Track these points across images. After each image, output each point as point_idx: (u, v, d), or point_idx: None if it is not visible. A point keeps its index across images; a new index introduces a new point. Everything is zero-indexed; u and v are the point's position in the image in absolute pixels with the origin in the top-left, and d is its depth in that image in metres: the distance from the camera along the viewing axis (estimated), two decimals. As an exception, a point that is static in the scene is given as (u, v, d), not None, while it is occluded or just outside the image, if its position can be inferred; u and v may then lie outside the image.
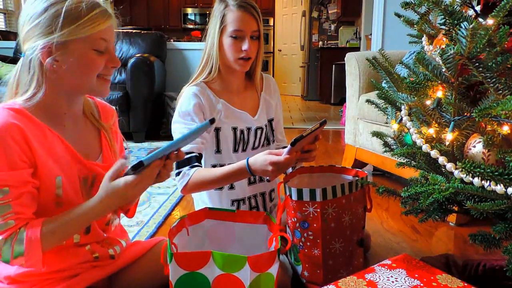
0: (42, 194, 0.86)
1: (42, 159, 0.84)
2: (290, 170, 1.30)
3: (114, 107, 1.08)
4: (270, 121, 1.43)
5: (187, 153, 1.21)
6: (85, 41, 0.84)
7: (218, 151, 1.32)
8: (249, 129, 1.35)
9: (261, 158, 1.12)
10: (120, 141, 1.08)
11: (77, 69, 0.86)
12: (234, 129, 1.32)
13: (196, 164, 1.22)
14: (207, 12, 7.76)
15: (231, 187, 1.34)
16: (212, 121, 0.87)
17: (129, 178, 0.82)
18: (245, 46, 1.24)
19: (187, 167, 1.20)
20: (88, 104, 1.00)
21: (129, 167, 0.82)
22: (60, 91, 0.88)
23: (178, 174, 1.22)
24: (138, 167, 0.80)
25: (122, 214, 1.09)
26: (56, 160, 0.87)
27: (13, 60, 3.55)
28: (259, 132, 1.37)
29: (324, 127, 1.19)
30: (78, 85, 0.89)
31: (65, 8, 0.81)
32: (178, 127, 1.26)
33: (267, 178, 1.33)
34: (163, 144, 0.88)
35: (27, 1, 0.86)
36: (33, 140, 0.82)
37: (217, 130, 1.30)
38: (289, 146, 1.06)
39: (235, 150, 1.33)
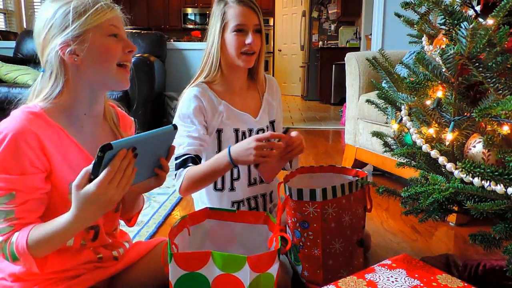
0: (55, 198, 0.87)
1: (57, 164, 0.84)
2: (289, 166, 1.30)
3: (133, 119, 1.09)
4: (272, 122, 1.43)
5: (184, 155, 1.21)
6: (98, 29, 0.87)
7: (219, 152, 1.32)
8: (250, 130, 1.35)
9: (244, 141, 1.11)
10: None
11: (97, 57, 0.88)
12: (236, 130, 1.32)
13: (191, 165, 1.21)
14: (207, 12, 7.75)
15: (232, 189, 1.34)
16: (175, 126, 0.87)
17: (99, 177, 0.75)
18: (249, 40, 1.24)
19: (182, 169, 1.21)
20: (109, 109, 1.01)
21: (95, 159, 0.74)
22: (82, 86, 0.90)
23: (175, 176, 1.22)
24: (105, 149, 0.73)
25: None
26: (70, 166, 0.87)
27: (13, 60, 3.55)
28: (260, 133, 1.37)
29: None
30: (100, 76, 0.90)
31: (72, 6, 0.86)
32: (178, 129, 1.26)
33: (268, 179, 1.34)
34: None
35: (37, 16, 0.90)
36: (49, 146, 0.83)
37: (219, 131, 1.30)
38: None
39: None
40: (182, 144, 1.22)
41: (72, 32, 0.86)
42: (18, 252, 0.80)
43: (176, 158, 1.22)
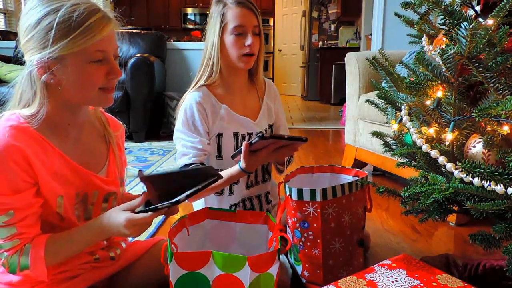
0: (44, 212, 0.86)
1: (44, 178, 0.83)
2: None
3: (123, 125, 1.07)
4: (271, 126, 1.43)
5: (190, 164, 1.22)
6: (79, 54, 0.80)
7: (219, 156, 1.32)
8: (250, 134, 1.35)
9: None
10: (123, 161, 1.06)
11: (76, 83, 0.83)
12: (236, 134, 1.32)
13: None
14: (207, 12, 7.74)
15: (231, 192, 1.34)
16: (220, 176, 0.92)
17: (132, 215, 0.82)
18: (248, 41, 1.24)
19: None
20: (95, 113, 0.99)
21: (141, 206, 0.83)
22: (62, 103, 0.86)
23: None
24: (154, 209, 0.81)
25: None
26: (57, 179, 0.86)
27: (13, 60, 3.55)
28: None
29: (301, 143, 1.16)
30: (79, 98, 0.87)
31: (57, 21, 0.78)
32: (181, 136, 1.27)
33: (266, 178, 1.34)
34: (167, 168, 0.88)
35: (24, 8, 0.83)
36: (35, 160, 0.80)
37: (219, 136, 1.30)
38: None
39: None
40: (187, 154, 1.23)
41: (51, 54, 0.78)
42: (32, 263, 0.81)
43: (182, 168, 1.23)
